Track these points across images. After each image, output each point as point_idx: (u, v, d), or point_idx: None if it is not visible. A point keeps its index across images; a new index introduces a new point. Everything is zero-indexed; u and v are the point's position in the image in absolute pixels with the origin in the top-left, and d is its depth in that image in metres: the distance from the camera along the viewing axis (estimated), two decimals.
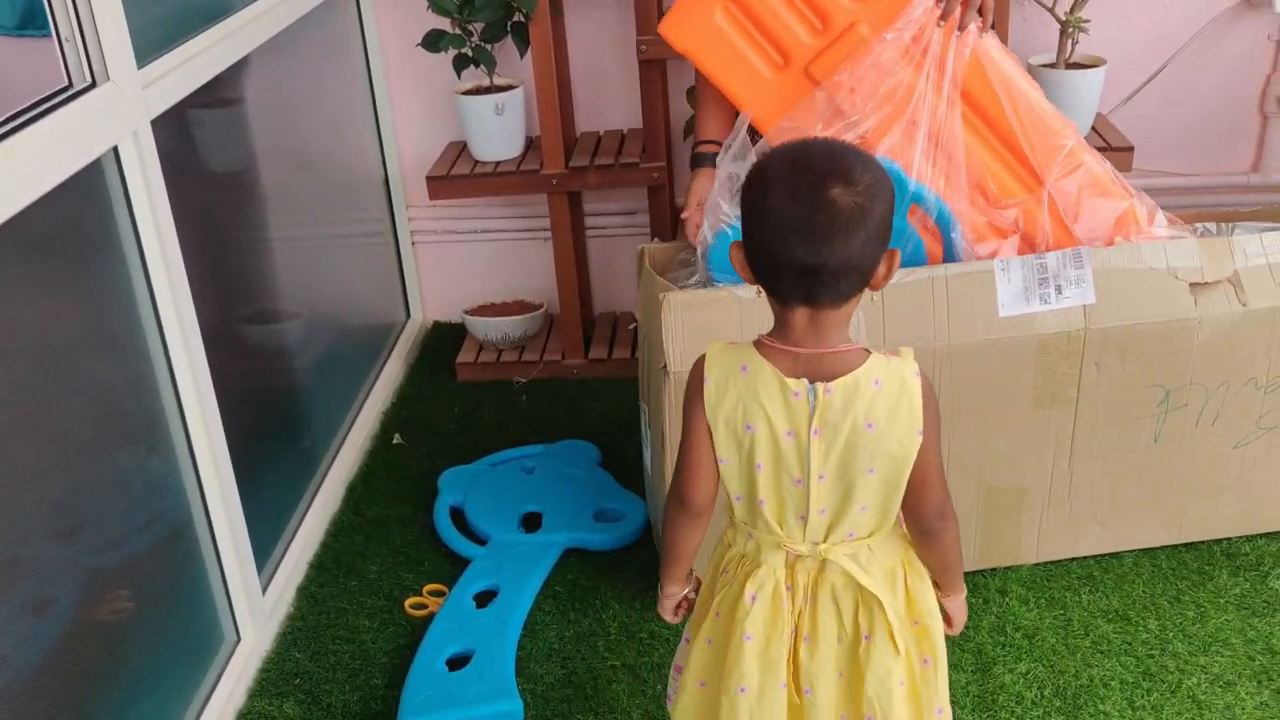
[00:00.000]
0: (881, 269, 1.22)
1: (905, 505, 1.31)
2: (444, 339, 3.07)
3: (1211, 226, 2.05)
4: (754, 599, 1.33)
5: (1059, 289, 1.88)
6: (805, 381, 1.24)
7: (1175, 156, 2.86)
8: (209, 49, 1.95)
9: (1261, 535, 2.11)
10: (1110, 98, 2.77)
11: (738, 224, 1.51)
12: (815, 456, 1.25)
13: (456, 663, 1.91)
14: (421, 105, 2.89)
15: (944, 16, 1.91)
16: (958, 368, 1.88)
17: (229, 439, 1.93)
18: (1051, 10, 2.55)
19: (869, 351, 1.26)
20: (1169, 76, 2.77)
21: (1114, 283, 1.88)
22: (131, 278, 1.73)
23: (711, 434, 1.28)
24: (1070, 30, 2.54)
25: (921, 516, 1.33)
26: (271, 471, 2.24)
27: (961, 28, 1.91)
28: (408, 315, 3.13)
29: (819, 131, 1.87)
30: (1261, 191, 2.86)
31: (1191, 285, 1.90)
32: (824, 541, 1.31)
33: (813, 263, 1.18)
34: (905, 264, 1.86)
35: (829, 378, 1.24)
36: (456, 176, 2.70)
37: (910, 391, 1.25)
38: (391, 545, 2.29)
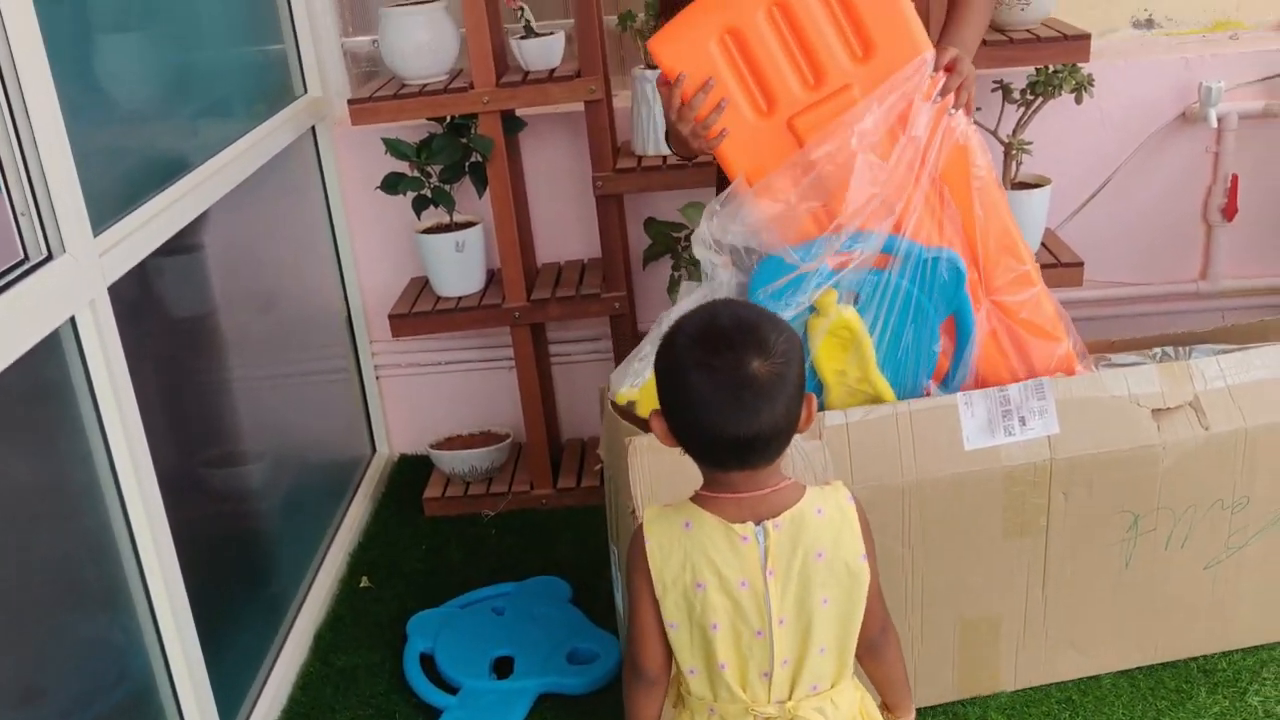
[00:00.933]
0: (803, 416, 1.26)
1: None
2: (411, 473, 3.05)
3: (1170, 350, 2.08)
4: None
5: (1023, 420, 1.89)
6: (751, 525, 1.25)
7: (1126, 268, 2.92)
8: (167, 209, 1.95)
9: (1238, 651, 2.11)
10: (1058, 213, 2.83)
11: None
12: (774, 599, 1.26)
13: None
14: (383, 243, 2.91)
15: (943, 92, 1.83)
16: (927, 502, 1.88)
17: (192, 592, 1.89)
18: (994, 133, 2.62)
19: (804, 485, 1.29)
20: (1114, 191, 2.84)
21: (1077, 412, 1.90)
22: (89, 441, 1.71)
23: (659, 601, 1.28)
24: (1014, 152, 2.61)
25: (866, 630, 1.35)
26: (237, 622, 2.19)
27: (956, 107, 1.85)
28: (373, 450, 3.11)
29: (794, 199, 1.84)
30: (1211, 298, 2.92)
31: (1153, 411, 1.92)
32: (789, 699, 1.29)
33: (744, 435, 1.22)
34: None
35: (773, 515, 1.26)
36: (419, 314, 2.70)
37: (849, 517, 1.29)
38: (361, 696, 2.23)
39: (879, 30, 1.79)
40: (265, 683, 2.23)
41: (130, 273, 1.81)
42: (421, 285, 2.82)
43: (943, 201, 1.88)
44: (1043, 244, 2.68)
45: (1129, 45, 2.86)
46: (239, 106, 2.44)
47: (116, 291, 1.74)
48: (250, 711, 2.15)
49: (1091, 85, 2.56)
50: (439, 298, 2.75)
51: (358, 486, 2.93)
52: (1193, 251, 2.92)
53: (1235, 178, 2.79)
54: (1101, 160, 2.83)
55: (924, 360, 1.91)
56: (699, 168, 2.38)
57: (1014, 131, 2.60)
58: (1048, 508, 1.92)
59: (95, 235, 1.70)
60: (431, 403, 3.07)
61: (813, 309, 1.82)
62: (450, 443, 2.93)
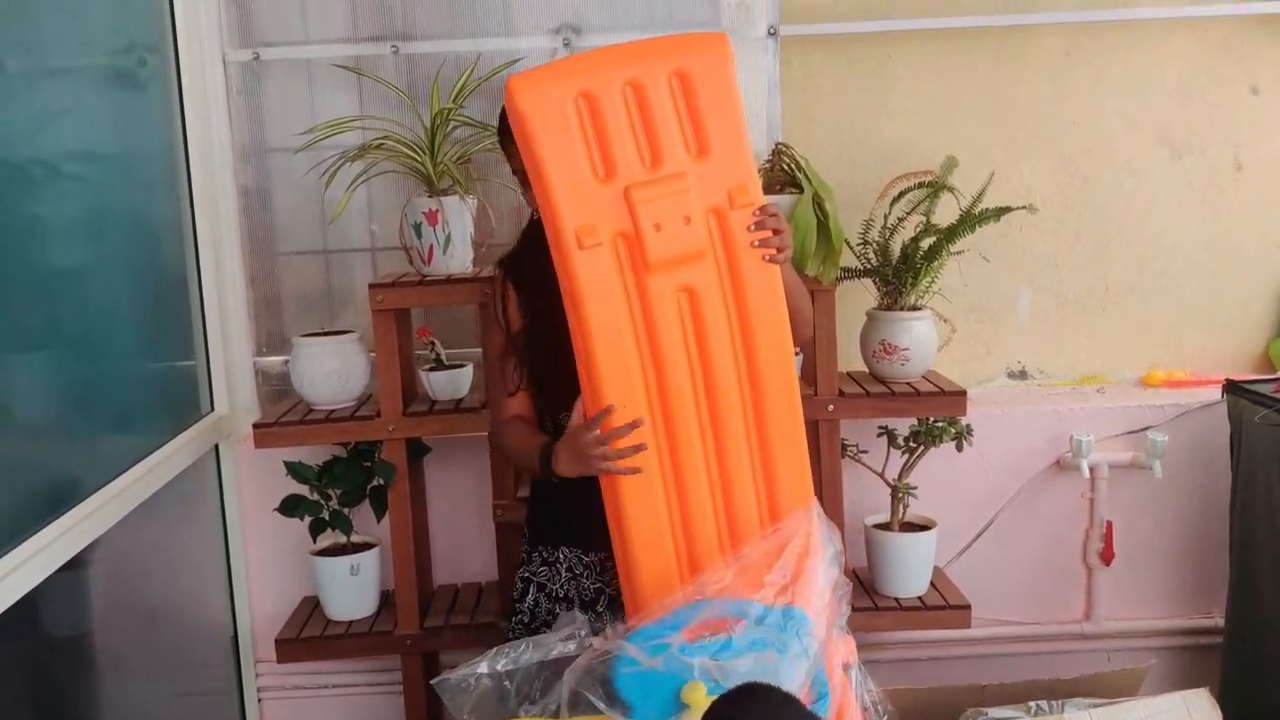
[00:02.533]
0: None
1: None
2: None
3: (1044, 704, 2.11)
4: None
5: None
6: None
7: (1013, 608, 2.99)
8: (48, 546, 1.92)
9: None
10: (945, 554, 2.92)
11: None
12: None
13: None
14: (279, 562, 2.88)
15: (757, 227, 1.87)
16: None
17: None
18: (881, 475, 2.73)
19: None
20: (998, 533, 2.95)
21: None
22: None
23: None
24: (900, 495, 2.72)
25: None
26: None
27: (768, 252, 1.89)
28: None
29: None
30: (1095, 639, 2.99)
31: None
32: None
33: None
34: None
35: None
36: (307, 639, 2.64)
37: None
38: None
39: (716, 136, 1.84)
40: None
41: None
42: (313, 606, 2.77)
43: None
44: (931, 585, 2.75)
45: (1004, 394, 3.06)
46: (142, 426, 2.46)
47: None
48: None
49: (970, 435, 2.71)
50: (330, 621, 2.70)
51: None
52: (1076, 593, 3.01)
53: (1110, 524, 2.93)
54: (984, 503, 2.95)
55: None
56: None
57: (899, 475, 2.72)
58: None
59: None
60: None
61: (683, 707, 1.73)
62: None
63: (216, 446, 2.79)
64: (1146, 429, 2.89)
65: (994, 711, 2.05)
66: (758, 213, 1.89)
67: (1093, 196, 3.03)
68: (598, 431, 1.85)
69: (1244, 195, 3.04)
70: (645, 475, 1.88)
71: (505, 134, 1.96)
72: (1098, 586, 2.98)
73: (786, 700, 1.32)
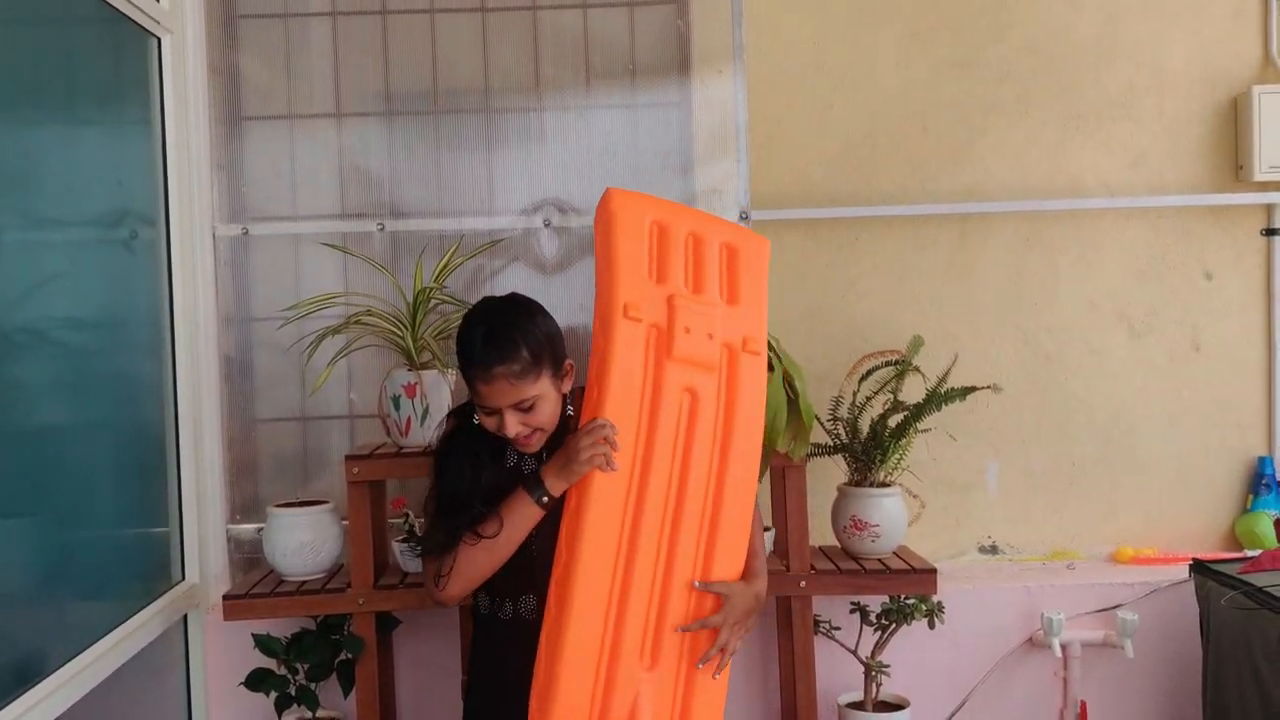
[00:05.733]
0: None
1: None
2: None
3: None
4: None
5: None
6: None
7: None
8: None
9: None
10: None
11: None
12: None
13: None
14: None
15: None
16: None
17: None
18: (854, 653, 2.73)
19: None
20: (973, 712, 2.92)
21: None
22: None
23: None
24: (874, 673, 2.70)
25: None
26: None
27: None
28: None
29: None
30: None
31: None
32: None
33: None
34: None
35: None
36: None
37: None
38: None
39: (744, 296, 2.14)
40: None
41: None
42: None
43: None
44: None
45: (975, 570, 3.07)
46: (114, 594, 2.44)
47: None
48: None
49: (942, 612, 2.72)
50: None
51: None
52: None
53: (1084, 704, 2.91)
54: (958, 681, 2.93)
55: None
56: None
57: (872, 654, 2.72)
58: None
59: None
60: None
61: None
62: None
63: (185, 616, 2.76)
64: (1117, 607, 2.91)
65: None
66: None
67: (1056, 373, 3.12)
68: (592, 437, 1.95)
69: (1203, 374, 3.14)
70: (603, 553, 1.99)
71: None
72: None
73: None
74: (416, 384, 2.59)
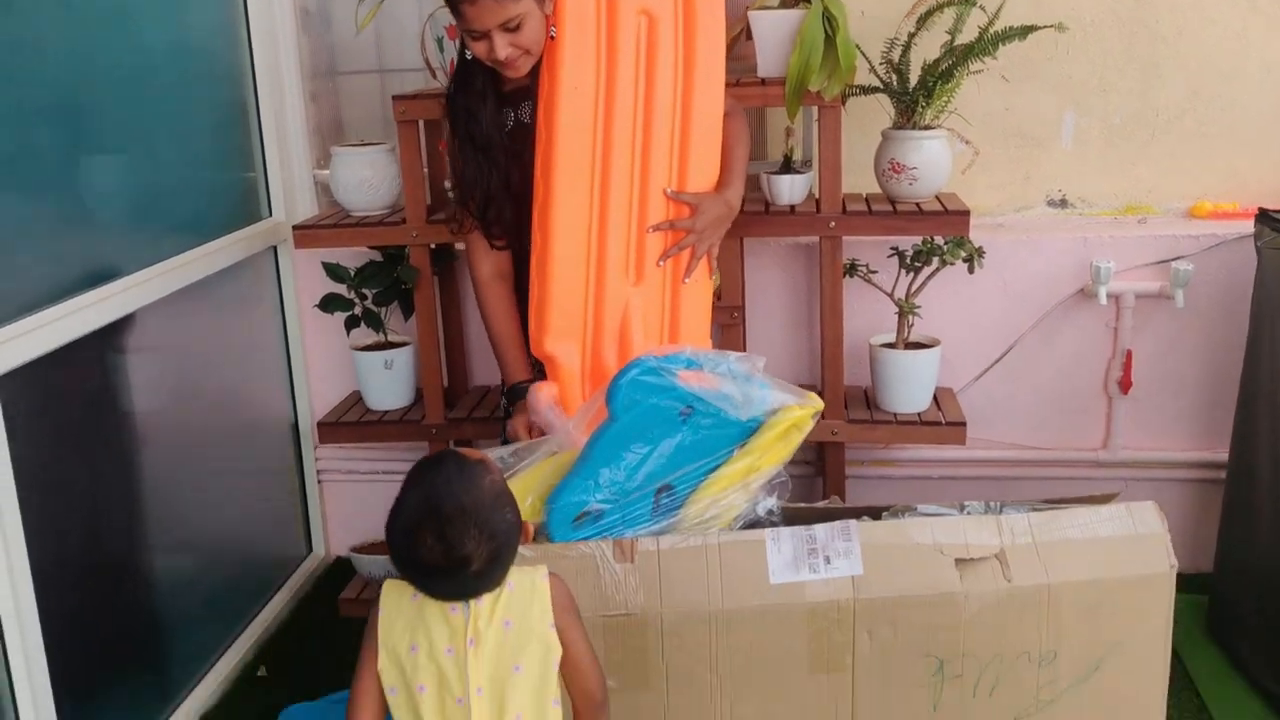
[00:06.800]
0: (523, 536, 1.48)
1: (574, 690, 1.51)
2: (341, 575, 3.21)
3: (978, 505, 2.18)
4: None
5: (828, 559, 2.01)
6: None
7: (1029, 433, 3.02)
8: (83, 309, 2.20)
9: None
10: (962, 376, 2.97)
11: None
12: (472, 668, 1.40)
13: None
14: (337, 358, 3.14)
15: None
16: (733, 631, 2.00)
17: (60, 672, 2.06)
18: (890, 295, 2.78)
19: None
20: (1019, 359, 2.97)
21: (882, 556, 2.01)
22: None
23: (381, 668, 1.43)
24: (906, 313, 2.77)
25: (588, 695, 1.53)
26: (111, 701, 2.35)
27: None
28: (309, 550, 3.29)
29: None
30: (1110, 467, 3.01)
31: (957, 561, 2.03)
32: None
33: (468, 590, 1.44)
34: None
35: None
36: (346, 423, 2.91)
37: (540, 591, 1.47)
38: None
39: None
40: None
41: (50, 364, 2.06)
42: (359, 398, 3.04)
43: None
44: (935, 405, 2.81)
45: (1038, 221, 3.03)
46: (194, 222, 2.71)
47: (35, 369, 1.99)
48: None
49: (982, 257, 2.73)
50: (368, 410, 2.96)
51: (284, 583, 3.10)
52: (1094, 421, 3.02)
53: (1130, 353, 2.91)
54: (1006, 329, 2.97)
55: None
56: None
57: (907, 296, 2.77)
58: (853, 646, 2.02)
59: None
60: (369, 510, 3.24)
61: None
62: (372, 547, 3.10)
63: (275, 250, 3.04)
64: (1176, 259, 2.84)
65: (923, 507, 2.14)
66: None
67: (1145, 16, 2.91)
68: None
69: None
70: (577, 180, 2.09)
71: None
72: (1116, 415, 2.98)
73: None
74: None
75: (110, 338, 2.34)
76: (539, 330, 2.22)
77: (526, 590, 1.46)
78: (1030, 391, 3.00)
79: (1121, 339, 2.92)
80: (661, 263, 2.21)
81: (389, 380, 2.91)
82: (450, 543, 1.40)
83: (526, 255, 2.22)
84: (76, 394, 2.29)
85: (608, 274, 2.21)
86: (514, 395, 2.28)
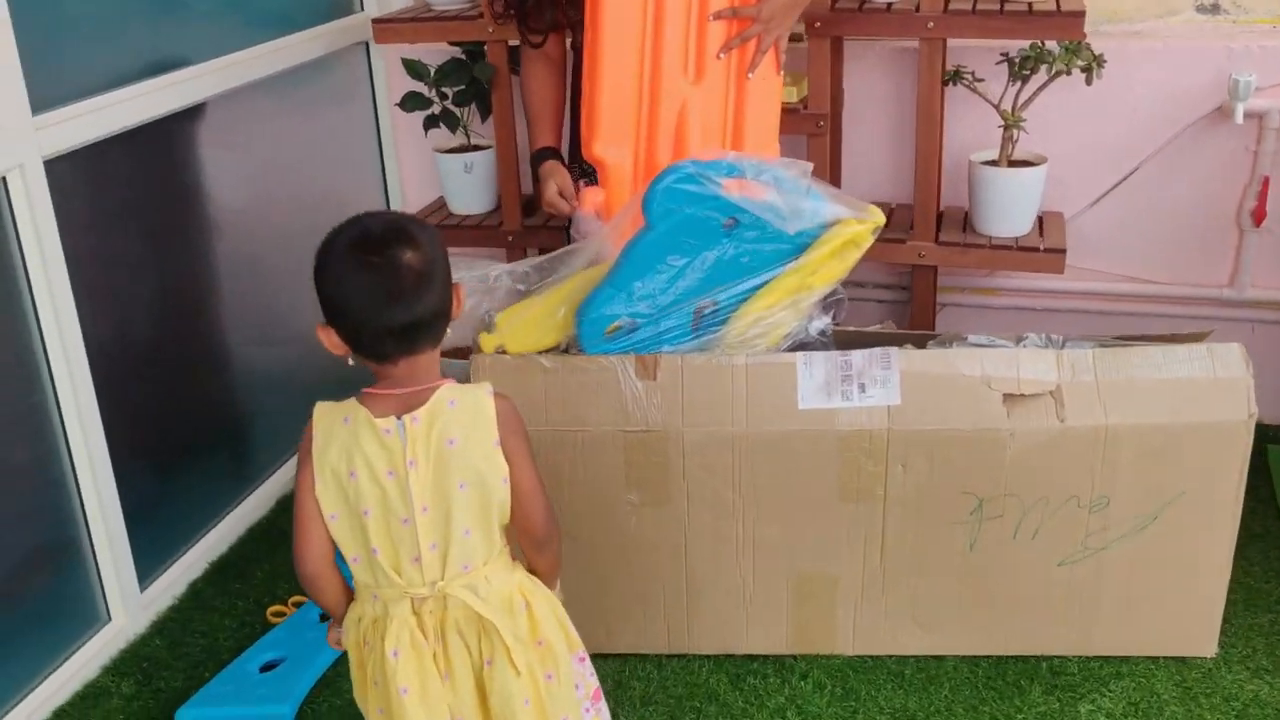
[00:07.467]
0: (455, 303, 1.42)
1: (516, 521, 1.46)
2: None
3: (1037, 337, 2.02)
4: (396, 654, 1.44)
5: (862, 387, 1.91)
6: (393, 419, 1.38)
7: (1148, 265, 2.78)
8: (148, 95, 2.22)
9: (1096, 659, 2.05)
10: (1077, 201, 2.73)
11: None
12: (415, 488, 1.39)
13: (269, 667, 2.09)
14: (424, 158, 3.11)
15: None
16: (757, 453, 1.93)
17: (121, 462, 2.17)
18: (996, 106, 2.55)
19: (450, 383, 1.43)
20: (1139, 182, 2.71)
21: (923, 386, 1.90)
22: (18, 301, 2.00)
23: (320, 493, 1.41)
24: (1010, 126, 2.53)
25: (530, 530, 1.49)
26: (187, 475, 2.48)
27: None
28: None
29: None
30: (1237, 306, 2.74)
31: (1005, 396, 1.89)
32: (442, 579, 1.42)
33: (406, 321, 1.36)
34: None
35: (414, 410, 1.40)
36: None
37: (484, 409, 1.41)
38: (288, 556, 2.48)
39: None
40: (213, 529, 2.51)
41: (113, 147, 2.11)
42: (443, 203, 3.02)
43: None
44: (1039, 230, 2.60)
45: (1185, 29, 2.70)
46: (277, 13, 2.68)
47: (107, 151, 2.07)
48: (185, 552, 2.43)
49: (1101, 66, 2.45)
50: (449, 214, 2.94)
51: None
52: (1222, 255, 2.74)
53: (1267, 180, 2.60)
54: (1130, 150, 2.69)
55: None
56: None
57: (1013, 108, 2.53)
58: (885, 477, 1.93)
59: (35, 114, 1.96)
60: None
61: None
62: (456, 354, 3.13)
63: (368, 47, 3.00)
64: None
65: (974, 337, 1.99)
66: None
67: None
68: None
69: None
70: None
71: None
72: (1246, 250, 2.70)
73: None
74: None
75: (195, 125, 2.39)
76: (589, 131, 2.12)
77: (470, 407, 1.41)
78: (1151, 220, 2.74)
79: (1260, 164, 2.61)
80: (723, 55, 2.07)
81: (469, 184, 2.88)
82: (402, 264, 1.35)
83: (579, 51, 2.11)
84: (171, 178, 2.36)
85: (663, 69, 2.08)
86: (537, 160, 2.23)
